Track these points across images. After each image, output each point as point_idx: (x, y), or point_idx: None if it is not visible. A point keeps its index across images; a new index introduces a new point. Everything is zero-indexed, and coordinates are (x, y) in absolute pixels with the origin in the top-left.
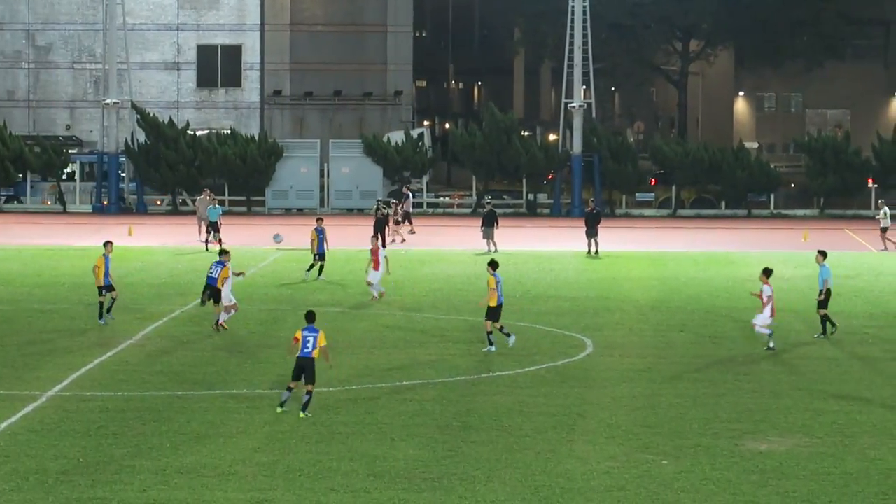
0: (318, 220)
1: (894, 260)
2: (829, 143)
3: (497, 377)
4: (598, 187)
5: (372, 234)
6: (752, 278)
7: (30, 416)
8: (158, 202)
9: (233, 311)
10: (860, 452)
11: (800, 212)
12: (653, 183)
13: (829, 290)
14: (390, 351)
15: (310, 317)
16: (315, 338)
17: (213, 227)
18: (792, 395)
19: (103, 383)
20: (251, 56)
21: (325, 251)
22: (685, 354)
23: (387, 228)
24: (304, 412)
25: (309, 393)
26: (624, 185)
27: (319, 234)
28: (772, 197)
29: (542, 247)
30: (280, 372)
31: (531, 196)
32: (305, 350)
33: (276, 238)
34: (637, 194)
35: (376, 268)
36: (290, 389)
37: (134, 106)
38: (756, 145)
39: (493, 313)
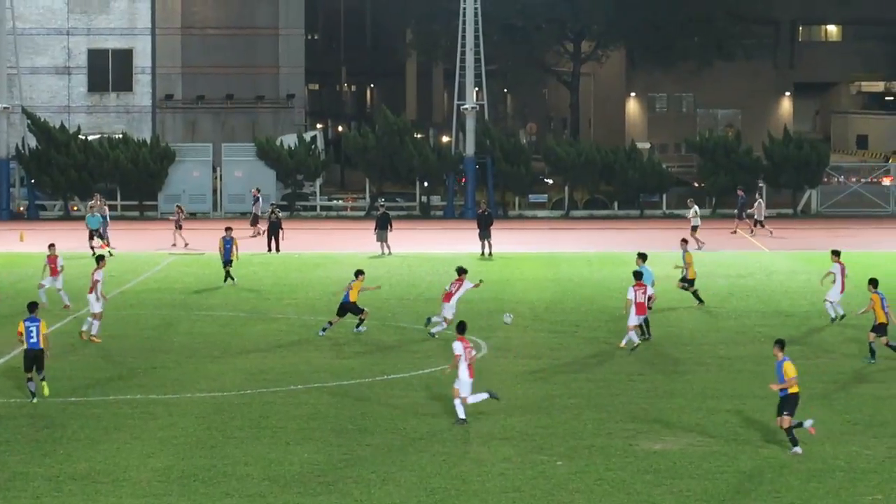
0: (226, 229)
1: (785, 259)
2: (721, 143)
3: (392, 380)
4: (492, 189)
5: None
6: None
7: None
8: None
9: (97, 322)
10: (753, 451)
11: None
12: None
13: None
14: (284, 354)
15: (31, 307)
16: (37, 327)
17: (97, 234)
18: (685, 394)
19: None
20: (142, 60)
21: (232, 259)
22: (579, 355)
23: (281, 232)
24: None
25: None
26: (517, 187)
27: (227, 244)
28: (664, 197)
29: (435, 249)
30: (174, 377)
31: (424, 198)
32: (31, 341)
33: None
34: (530, 195)
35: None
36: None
37: (24, 111)
38: (648, 145)
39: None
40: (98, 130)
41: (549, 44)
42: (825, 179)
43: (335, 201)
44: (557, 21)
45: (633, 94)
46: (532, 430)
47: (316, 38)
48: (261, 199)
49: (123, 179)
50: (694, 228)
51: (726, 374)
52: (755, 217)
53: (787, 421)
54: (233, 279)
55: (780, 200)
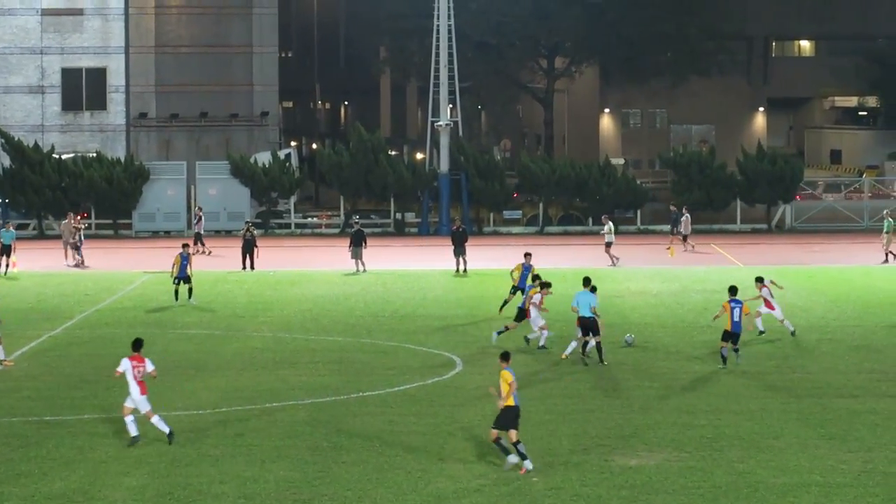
0: (183, 245)
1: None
2: (695, 159)
3: (367, 397)
4: (466, 205)
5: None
6: (618, 294)
7: None
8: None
9: None
10: (729, 466)
11: (666, 227)
12: (515, 196)
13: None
14: (260, 372)
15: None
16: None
17: (5, 251)
18: (661, 409)
19: None
20: (116, 78)
21: (189, 274)
22: (554, 371)
23: (255, 250)
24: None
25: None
26: (491, 203)
27: (183, 259)
28: (638, 213)
29: (410, 266)
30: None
31: (399, 215)
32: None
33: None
34: (504, 212)
35: None
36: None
37: None
38: (622, 161)
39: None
40: (72, 149)
41: (523, 60)
42: (797, 197)
43: (310, 218)
44: (531, 38)
45: (606, 110)
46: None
47: (290, 55)
48: (203, 219)
49: (98, 198)
50: (608, 245)
51: (701, 389)
52: (682, 232)
53: (513, 435)
54: (187, 297)
55: (754, 216)
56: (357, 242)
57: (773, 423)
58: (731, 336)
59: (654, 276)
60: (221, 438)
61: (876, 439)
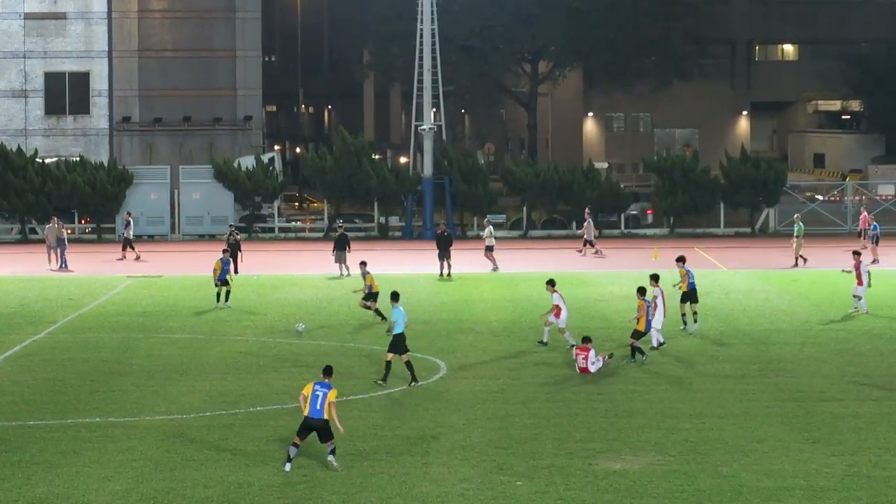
0: (224, 251)
1: (743, 278)
2: (678, 163)
3: (351, 401)
4: (450, 209)
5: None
6: (603, 298)
7: None
8: None
9: None
10: (713, 469)
11: (650, 231)
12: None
13: None
14: (244, 377)
15: (327, 371)
16: (325, 394)
17: None
18: (645, 413)
19: None
20: (99, 83)
21: (229, 279)
22: (538, 375)
23: (239, 254)
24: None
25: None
26: (475, 207)
27: (224, 265)
28: (622, 216)
29: (394, 270)
30: (132, 400)
31: (383, 219)
32: (315, 408)
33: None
34: (488, 216)
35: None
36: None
37: None
38: (606, 165)
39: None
40: (55, 153)
41: (507, 64)
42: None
43: (294, 222)
44: (514, 42)
45: (590, 113)
46: (492, 450)
47: (273, 59)
48: (132, 223)
49: (81, 202)
50: (489, 248)
51: (685, 393)
52: (584, 237)
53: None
54: (226, 301)
55: (738, 219)
56: (341, 246)
57: (756, 427)
58: (637, 334)
59: (638, 280)
60: (205, 443)
61: (860, 443)
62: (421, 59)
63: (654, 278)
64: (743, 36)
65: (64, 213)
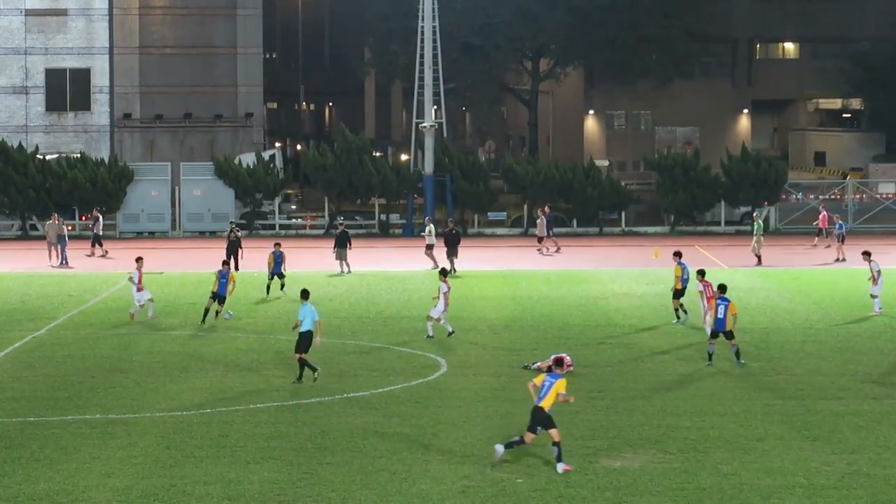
0: (276, 244)
1: (743, 276)
2: (679, 161)
3: (351, 398)
4: (451, 207)
5: (224, 257)
6: (604, 296)
7: None
8: None
9: None
10: (713, 467)
11: (651, 229)
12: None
13: None
14: (244, 373)
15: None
16: (551, 384)
17: None
18: (645, 411)
19: None
20: (100, 79)
21: (283, 272)
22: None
23: (240, 251)
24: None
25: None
26: (476, 205)
27: (277, 258)
28: (623, 214)
29: (394, 267)
30: (133, 396)
31: (383, 216)
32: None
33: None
34: (489, 213)
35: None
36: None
37: None
38: (606, 163)
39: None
40: (56, 150)
41: (508, 62)
42: (783, 196)
43: (294, 220)
44: (516, 39)
45: (591, 111)
46: (492, 448)
47: (274, 56)
48: (101, 220)
49: (82, 199)
50: (429, 247)
51: (686, 391)
52: (538, 234)
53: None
54: (282, 290)
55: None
56: (341, 244)
57: (757, 425)
58: (715, 335)
59: (639, 278)
60: (206, 439)
61: (860, 441)
62: (422, 56)
63: (701, 273)
64: (744, 34)
65: (64, 210)
